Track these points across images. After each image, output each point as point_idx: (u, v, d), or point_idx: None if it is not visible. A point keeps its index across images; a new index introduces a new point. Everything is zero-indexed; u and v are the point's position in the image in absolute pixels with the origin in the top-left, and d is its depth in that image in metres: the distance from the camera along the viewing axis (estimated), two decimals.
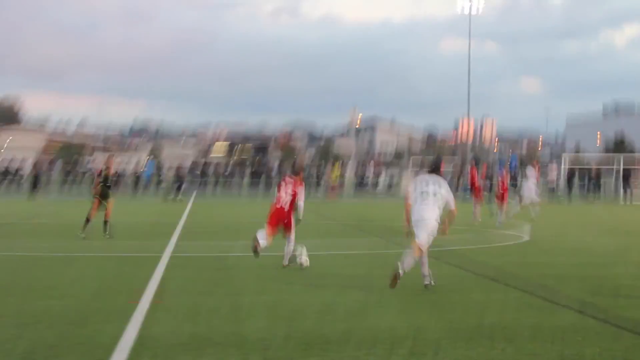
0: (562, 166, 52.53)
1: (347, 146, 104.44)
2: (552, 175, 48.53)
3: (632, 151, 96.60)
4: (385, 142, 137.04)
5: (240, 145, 75.69)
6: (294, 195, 13.66)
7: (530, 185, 28.16)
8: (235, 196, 49.08)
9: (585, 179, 49.94)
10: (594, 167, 52.21)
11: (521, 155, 76.58)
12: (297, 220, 13.79)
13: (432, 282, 11.89)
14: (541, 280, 12.96)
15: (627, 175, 48.11)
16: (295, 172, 13.99)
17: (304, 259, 13.63)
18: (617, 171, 50.22)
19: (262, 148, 67.69)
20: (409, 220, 11.72)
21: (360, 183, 52.84)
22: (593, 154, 76.68)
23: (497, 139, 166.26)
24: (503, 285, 12.47)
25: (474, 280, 13.04)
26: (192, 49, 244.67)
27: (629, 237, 21.28)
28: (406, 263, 11.42)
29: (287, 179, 13.89)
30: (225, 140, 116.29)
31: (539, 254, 17.09)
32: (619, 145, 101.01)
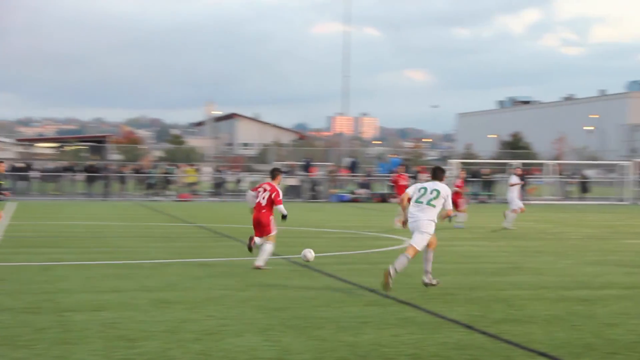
0: (454, 171, 53.95)
1: (203, 145, 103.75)
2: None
3: (527, 148, 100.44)
4: (247, 141, 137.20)
5: (72, 143, 73.77)
6: (270, 199, 15.79)
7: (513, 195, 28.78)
8: (65, 200, 47.83)
9: (479, 184, 51.55)
10: (484, 170, 54.07)
11: (406, 157, 77.90)
12: (283, 217, 15.86)
13: (434, 282, 13.51)
14: (425, 291, 13.12)
15: (523, 178, 49.99)
16: (273, 177, 16.15)
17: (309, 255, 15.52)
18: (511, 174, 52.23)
19: (97, 147, 66.22)
20: (405, 217, 13.39)
21: (218, 185, 52.62)
22: (485, 161, 79.30)
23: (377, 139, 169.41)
24: (382, 297, 12.55)
25: (349, 292, 13.06)
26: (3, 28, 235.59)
27: (521, 241, 21.99)
28: (398, 263, 12.93)
29: (265, 185, 16.05)
30: (53, 137, 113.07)
31: (422, 261, 17.33)
32: (515, 142, 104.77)
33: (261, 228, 15.77)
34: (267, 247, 15.74)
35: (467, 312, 11.39)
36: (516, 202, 28.45)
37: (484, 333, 10.03)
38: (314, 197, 49.34)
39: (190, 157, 77.96)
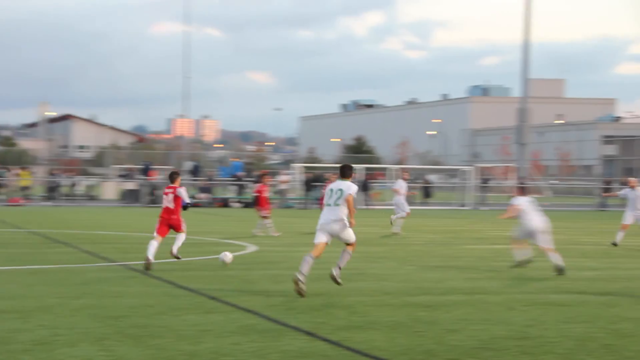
0: (295, 175, 54.50)
1: (36, 147, 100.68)
2: (283, 185, 50.15)
3: (371, 152, 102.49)
4: (83, 143, 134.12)
5: None
6: (177, 197, 18.01)
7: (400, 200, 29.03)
8: None
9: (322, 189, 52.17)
10: (327, 175, 54.81)
11: (248, 160, 78.05)
12: (185, 207, 18.18)
13: (339, 280, 14.23)
14: (267, 298, 13.19)
15: (366, 184, 51.03)
16: (172, 180, 18.41)
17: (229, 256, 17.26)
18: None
19: None
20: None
21: (52, 189, 51.21)
22: (328, 165, 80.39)
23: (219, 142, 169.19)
24: (222, 305, 12.53)
25: (189, 299, 12.99)
26: None
27: (365, 247, 22.39)
28: (304, 267, 13.67)
29: (166, 189, 18.28)
30: None
31: (265, 267, 17.45)
32: (358, 146, 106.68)
33: (172, 223, 18.04)
34: (182, 237, 18.27)
35: (310, 319, 11.52)
36: (404, 206, 28.94)
37: (326, 340, 10.17)
38: (153, 201, 48.66)
39: (22, 160, 75.54)
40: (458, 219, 39.08)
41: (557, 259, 17.43)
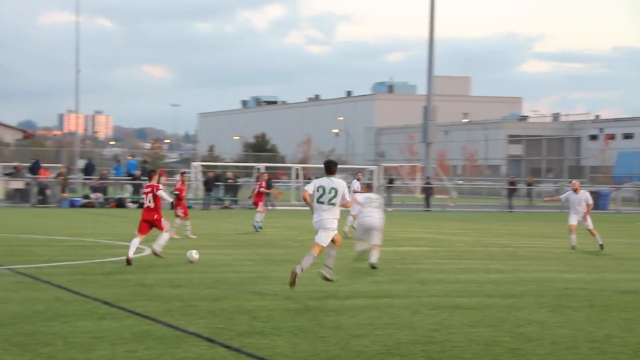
0: (193, 174, 54.17)
1: None
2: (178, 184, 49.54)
3: (273, 150, 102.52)
4: None
5: None
6: (156, 196, 18.99)
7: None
8: None
9: (222, 188, 52.04)
10: (228, 174, 54.87)
11: (144, 158, 77.23)
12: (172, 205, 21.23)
13: (334, 278, 15.17)
14: (164, 303, 13.07)
15: (268, 184, 51.04)
16: (149, 178, 19.64)
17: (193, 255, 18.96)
18: (257, 177, 53.47)
19: None
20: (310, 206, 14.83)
21: None
22: (229, 164, 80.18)
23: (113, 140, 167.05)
24: (117, 310, 12.38)
25: (81, 305, 12.78)
26: None
27: (267, 249, 22.40)
28: (305, 262, 14.48)
29: (145, 189, 19.38)
30: None
31: (163, 270, 17.29)
32: (260, 144, 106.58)
33: (152, 221, 19.22)
34: (165, 236, 19.40)
35: (209, 324, 11.46)
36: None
37: (226, 347, 10.14)
38: (43, 201, 47.74)
39: None
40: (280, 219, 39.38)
41: (375, 256, 18.61)
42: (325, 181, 14.83)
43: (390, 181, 61.25)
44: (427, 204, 55.19)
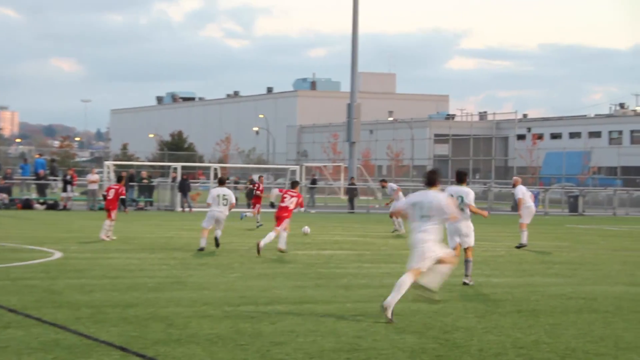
0: (105, 173, 53.59)
1: None
2: (92, 185, 49.04)
3: (190, 149, 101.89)
4: None
5: None
6: (298, 202, 23.61)
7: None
8: None
9: (137, 188, 51.66)
10: (143, 173, 54.52)
11: (53, 157, 76.15)
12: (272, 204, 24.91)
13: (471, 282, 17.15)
14: (74, 310, 12.91)
15: (184, 185, 50.81)
16: (293, 187, 24.13)
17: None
18: (174, 178, 53.34)
19: None
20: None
21: None
22: (143, 163, 79.55)
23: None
24: (23, 318, 12.19)
25: None
26: None
27: (184, 253, 22.26)
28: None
29: (290, 192, 23.71)
30: None
31: (72, 275, 17.07)
32: (176, 143, 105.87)
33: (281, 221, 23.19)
34: (284, 235, 23.35)
35: (122, 332, 11.35)
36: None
37: (140, 356, 10.05)
38: None
39: None
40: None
41: (203, 242, 23.28)
42: (454, 188, 17.10)
43: (313, 182, 61.39)
44: (352, 206, 55.43)
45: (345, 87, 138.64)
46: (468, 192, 16.98)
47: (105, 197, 28.38)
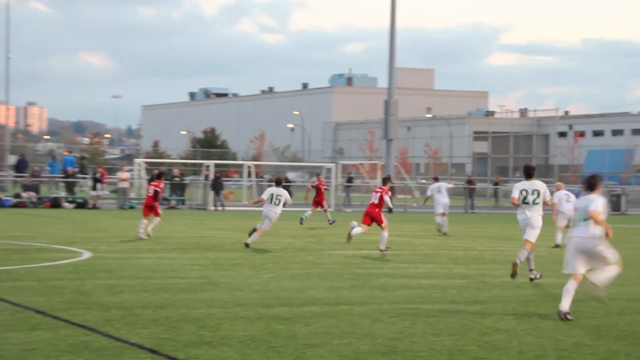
0: (136, 171, 53.86)
1: None
2: (123, 183, 49.25)
3: (223, 146, 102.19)
4: None
5: None
6: (381, 197, 24.44)
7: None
8: None
9: (169, 187, 51.84)
10: (175, 171, 54.64)
11: (83, 154, 76.58)
12: (389, 210, 25.31)
13: (539, 275, 18.15)
14: (103, 312, 12.97)
15: (217, 182, 50.90)
16: (384, 183, 25.41)
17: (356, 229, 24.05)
18: (206, 176, 53.45)
19: None
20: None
21: None
22: (175, 160, 79.80)
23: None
24: (51, 320, 12.26)
25: (11, 314, 12.65)
26: None
27: (216, 253, 22.33)
28: (521, 255, 17.45)
29: (378, 189, 25.05)
30: None
31: (102, 276, 17.17)
32: (209, 140, 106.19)
33: (373, 218, 24.25)
34: (385, 234, 24.08)
35: (153, 334, 11.39)
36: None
37: (172, 358, 10.08)
38: None
39: None
40: (320, 222, 39.38)
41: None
42: (527, 184, 17.65)
43: (349, 180, 61.37)
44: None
45: (382, 83, 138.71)
46: (544, 187, 17.88)
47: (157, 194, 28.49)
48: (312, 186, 37.71)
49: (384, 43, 71.95)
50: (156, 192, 28.11)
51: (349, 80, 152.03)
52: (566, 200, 28.13)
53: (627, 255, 25.17)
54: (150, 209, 27.53)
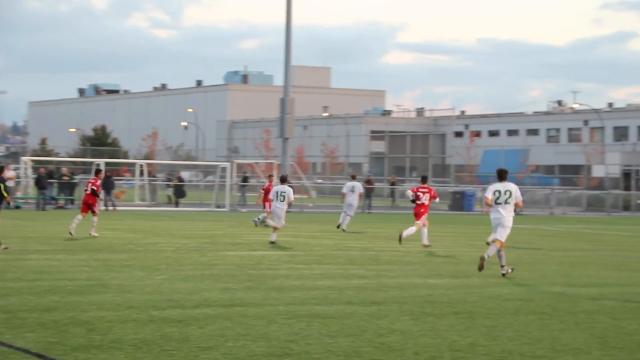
0: (22, 169, 52.90)
1: None
2: (9, 182, 48.17)
3: (114, 144, 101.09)
4: None
5: None
6: (431, 195, 26.52)
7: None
8: None
9: (57, 186, 51.01)
10: (63, 170, 53.86)
11: None
12: (412, 201, 26.71)
13: (510, 269, 19.57)
14: None
15: (108, 182, 50.25)
16: (424, 182, 26.90)
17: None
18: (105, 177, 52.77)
19: None
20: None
21: None
22: (64, 159, 78.56)
23: None
24: None
25: None
26: None
27: (106, 254, 22.09)
28: (490, 251, 19.29)
29: (421, 188, 26.74)
30: None
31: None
32: (99, 138, 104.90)
33: (422, 213, 26.25)
34: (425, 231, 26.47)
35: (40, 338, 11.23)
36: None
37: None
38: None
39: None
40: (214, 222, 39.28)
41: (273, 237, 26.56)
42: (500, 185, 19.34)
43: (244, 179, 61.26)
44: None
45: (278, 81, 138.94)
46: (516, 188, 19.48)
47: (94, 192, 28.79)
48: (263, 189, 37.76)
49: (280, 40, 72.25)
50: (93, 190, 28.54)
51: (245, 78, 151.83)
52: None
53: (521, 256, 25.73)
54: (88, 206, 28.29)
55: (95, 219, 28.58)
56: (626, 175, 73.72)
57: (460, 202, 61.71)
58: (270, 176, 40.78)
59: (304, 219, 44.67)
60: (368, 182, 60.05)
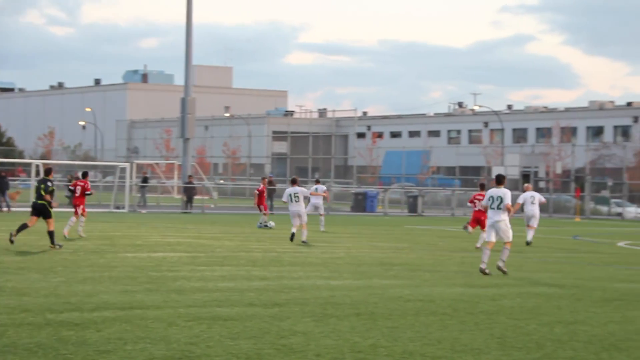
0: None
1: None
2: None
3: (10, 144, 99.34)
4: None
5: None
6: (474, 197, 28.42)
7: None
8: None
9: None
10: None
11: None
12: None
13: (505, 269, 21.09)
14: None
15: (3, 183, 49.34)
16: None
17: None
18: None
19: None
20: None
21: None
22: None
23: None
24: None
25: None
26: None
27: (0, 257, 21.71)
28: (485, 257, 20.72)
29: (478, 195, 28.16)
30: None
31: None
32: None
33: (481, 222, 27.04)
34: (483, 235, 26.23)
35: None
36: None
37: None
38: None
39: None
40: (113, 223, 38.87)
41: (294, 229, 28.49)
42: (494, 191, 20.79)
43: (145, 180, 60.76)
44: (190, 206, 55.03)
45: (179, 80, 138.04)
46: (504, 193, 20.71)
47: (73, 192, 29.60)
48: (257, 190, 38.83)
49: (181, 39, 71.78)
50: (83, 191, 29.03)
51: (144, 77, 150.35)
52: (531, 202, 31.51)
53: (422, 257, 26.04)
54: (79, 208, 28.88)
55: (83, 219, 29.35)
56: (525, 176, 74.97)
57: (362, 203, 62.15)
58: (264, 179, 41.40)
59: (205, 221, 44.49)
60: (270, 183, 60.07)
